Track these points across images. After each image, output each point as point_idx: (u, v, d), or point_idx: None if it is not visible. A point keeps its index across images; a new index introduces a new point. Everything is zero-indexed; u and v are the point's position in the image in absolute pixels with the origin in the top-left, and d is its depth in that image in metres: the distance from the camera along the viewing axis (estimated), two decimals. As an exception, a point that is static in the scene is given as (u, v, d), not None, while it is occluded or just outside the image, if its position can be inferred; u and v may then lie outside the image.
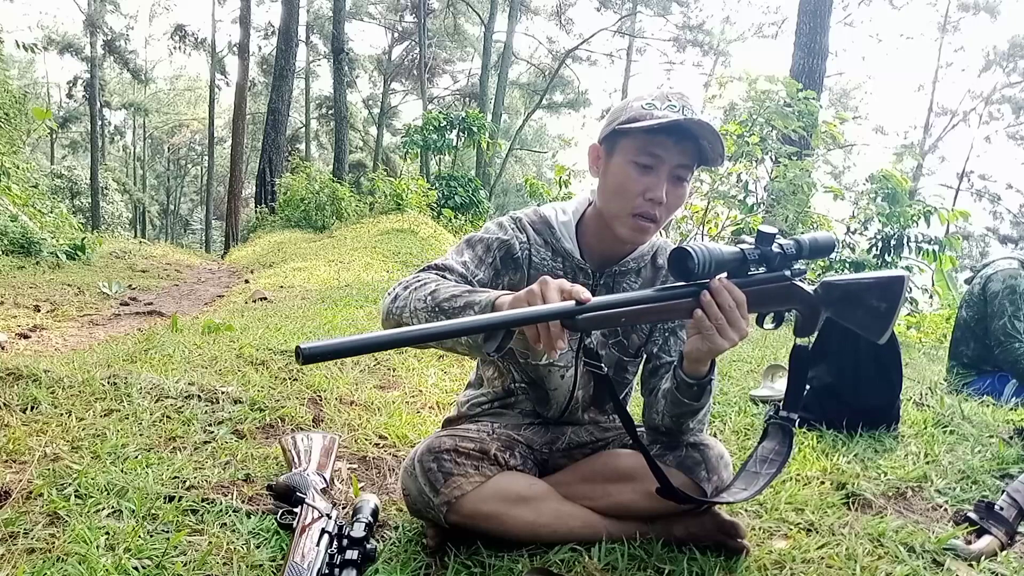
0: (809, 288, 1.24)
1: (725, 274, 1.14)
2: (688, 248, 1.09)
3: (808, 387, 2.34)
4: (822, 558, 1.36)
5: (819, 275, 6.48)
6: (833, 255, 6.52)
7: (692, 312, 1.12)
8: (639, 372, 1.50)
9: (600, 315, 1.03)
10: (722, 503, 1.30)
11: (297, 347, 0.78)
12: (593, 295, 1.03)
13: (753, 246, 1.17)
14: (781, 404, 1.33)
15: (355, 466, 1.77)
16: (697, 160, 1.28)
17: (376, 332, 0.86)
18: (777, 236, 1.19)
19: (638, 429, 1.46)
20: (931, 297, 6.91)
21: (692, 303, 1.12)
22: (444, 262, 1.30)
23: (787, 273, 1.22)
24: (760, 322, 1.24)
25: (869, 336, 1.25)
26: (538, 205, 1.48)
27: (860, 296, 1.25)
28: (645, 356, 1.46)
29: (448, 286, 1.17)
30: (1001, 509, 1.53)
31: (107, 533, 1.26)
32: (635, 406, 1.66)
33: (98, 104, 26.75)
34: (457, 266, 1.30)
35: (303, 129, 31.75)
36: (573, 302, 0.99)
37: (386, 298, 1.23)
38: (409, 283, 1.22)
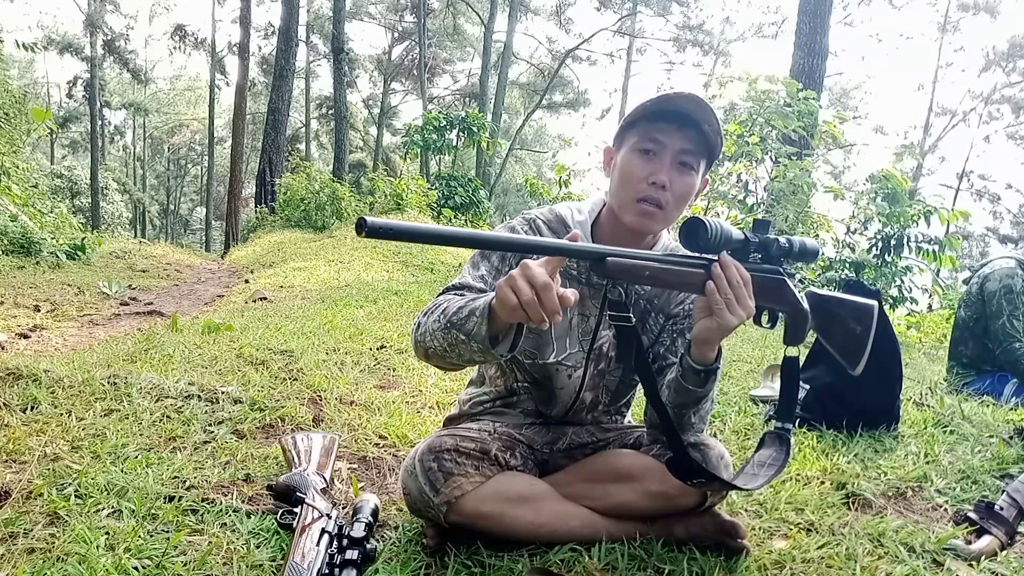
0: (799, 293, 1.27)
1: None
2: (703, 219, 1.14)
3: (808, 387, 2.34)
4: (822, 558, 1.36)
5: (819, 275, 6.49)
6: (828, 257, 6.53)
7: (703, 287, 1.16)
8: None
9: (628, 263, 1.10)
10: (728, 488, 1.30)
11: (361, 218, 0.84)
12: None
13: (752, 233, 1.22)
14: (775, 415, 1.34)
15: (355, 466, 1.77)
16: (704, 151, 1.29)
17: (436, 226, 0.93)
18: (772, 227, 1.25)
19: (638, 431, 1.47)
20: (931, 296, 6.91)
21: (704, 275, 1.16)
22: (461, 281, 1.33)
23: (780, 270, 1.26)
24: (757, 320, 1.25)
25: (845, 363, 1.28)
26: (550, 204, 1.49)
27: (839, 313, 1.28)
28: (651, 356, 1.46)
29: (456, 302, 1.20)
30: (1001, 509, 1.53)
31: (107, 533, 1.26)
32: (636, 408, 1.66)
33: (98, 104, 26.76)
34: (475, 282, 1.33)
35: (303, 129, 31.76)
36: (606, 246, 1.09)
37: (414, 329, 1.28)
38: (428, 309, 1.26)
